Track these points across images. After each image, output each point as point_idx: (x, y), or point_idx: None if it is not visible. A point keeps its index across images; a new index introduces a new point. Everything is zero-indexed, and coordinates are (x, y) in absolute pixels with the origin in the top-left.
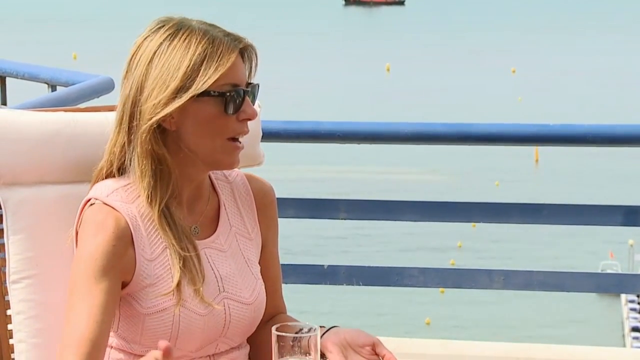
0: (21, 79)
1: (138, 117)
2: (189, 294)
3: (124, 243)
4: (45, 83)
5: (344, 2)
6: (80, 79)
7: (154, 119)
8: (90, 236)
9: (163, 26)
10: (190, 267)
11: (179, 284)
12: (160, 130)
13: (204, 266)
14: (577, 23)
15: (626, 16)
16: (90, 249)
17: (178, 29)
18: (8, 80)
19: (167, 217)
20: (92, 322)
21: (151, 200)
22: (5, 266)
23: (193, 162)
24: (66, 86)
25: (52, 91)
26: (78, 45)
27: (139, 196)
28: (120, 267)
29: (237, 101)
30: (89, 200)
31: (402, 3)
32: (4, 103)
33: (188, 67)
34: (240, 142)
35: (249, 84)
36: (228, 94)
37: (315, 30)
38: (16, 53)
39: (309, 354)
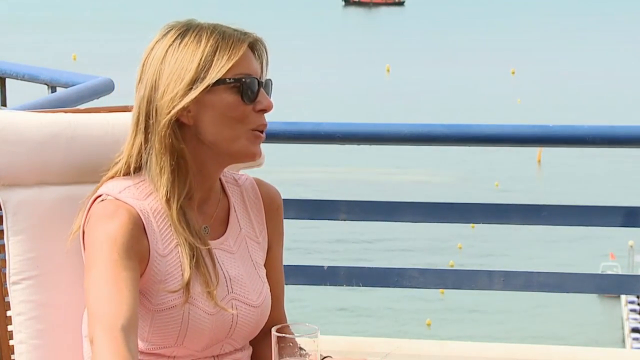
0: (21, 80)
1: (154, 114)
2: (200, 293)
3: (139, 230)
4: (45, 84)
5: (343, 3)
6: (80, 80)
7: (172, 113)
8: (104, 224)
9: (172, 29)
10: (204, 268)
11: (188, 283)
12: (179, 125)
13: (217, 268)
14: (576, 24)
15: (626, 17)
16: (108, 232)
17: (187, 29)
18: (8, 81)
19: (182, 215)
20: (126, 291)
21: (169, 197)
22: (5, 267)
23: (212, 157)
24: (66, 87)
25: (52, 92)
26: (78, 47)
27: (151, 193)
28: (137, 249)
29: (253, 90)
30: (99, 196)
31: (401, 3)
32: (4, 104)
33: (201, 59)
34: (262, 133)
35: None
36: (244, 80)
37: (314, 31)
38: (16, 54)
39: (309, 355)
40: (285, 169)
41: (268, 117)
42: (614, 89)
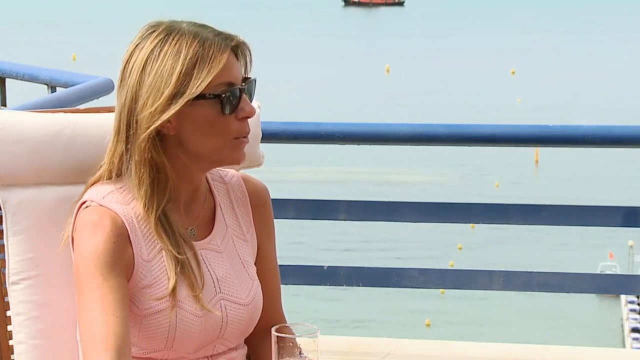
0: (21, 80)
1: (135, 126)
2: (186, 297)
3: (122, 240)
4: (45, 84)
5: (343, 3)
6: (79, 80)
7: (151, 128)
8: (88, 236)
9: (153, 32)
10: (189, 272)
11: (174, 289)
12: (160, 136)
13: (202, 271)
14: (576, 24)
15: (626, 17)
16: (91, 248)
17: (168, 33)
18: (8, 81)
19: (163, 224)
20: (113, 317)
21: (148, 208)
22: (5, 267)
23: (195, 164)
24: (66, 87)
25: (52, 92)
26: (77, 47)
27: (134, 198)
28: (122, 263)
29: (234, 101)
30: (84, 203)
31: (401, 4)
32: (4, 104)
33: (181, 72)
34: (245, 138)
35: (245, 79)
36: (223, 95)
37: (314, 31)
38: (16, 54)
39: (309, 356)
40: (285, 169)
41: (268, 117)
42: (613, 89)
